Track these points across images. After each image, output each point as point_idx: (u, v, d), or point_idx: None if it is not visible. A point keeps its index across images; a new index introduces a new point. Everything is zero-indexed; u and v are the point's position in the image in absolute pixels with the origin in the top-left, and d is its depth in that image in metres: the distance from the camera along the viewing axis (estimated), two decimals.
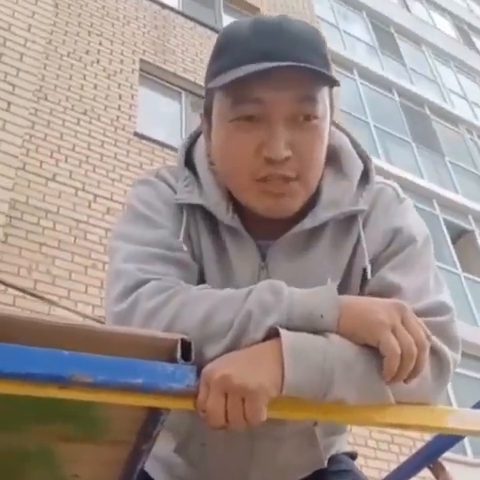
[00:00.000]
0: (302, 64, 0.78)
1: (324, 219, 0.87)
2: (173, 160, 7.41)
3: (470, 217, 10.99)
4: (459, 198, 10.99)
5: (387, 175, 10.08)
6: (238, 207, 0.88)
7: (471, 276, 9.88)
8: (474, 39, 15.96)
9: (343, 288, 0.85)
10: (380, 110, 11.43)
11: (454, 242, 10.31)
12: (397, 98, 12.00)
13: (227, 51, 0.83)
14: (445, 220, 10.41)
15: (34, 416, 0.86)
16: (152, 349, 0.86)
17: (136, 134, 6.68)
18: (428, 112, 12.36)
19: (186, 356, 0.85)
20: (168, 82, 7.68)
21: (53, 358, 0.75)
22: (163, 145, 6.84)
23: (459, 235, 10.75)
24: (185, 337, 0.88)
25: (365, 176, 0.90)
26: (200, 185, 0.90)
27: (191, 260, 0.88)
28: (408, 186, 10.29)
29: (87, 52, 7.00)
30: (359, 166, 0.91)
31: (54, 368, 0.74)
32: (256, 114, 0.81)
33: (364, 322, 0.73)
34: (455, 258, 9.88)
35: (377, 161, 10.11)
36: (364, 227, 0.88)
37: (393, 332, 0.70)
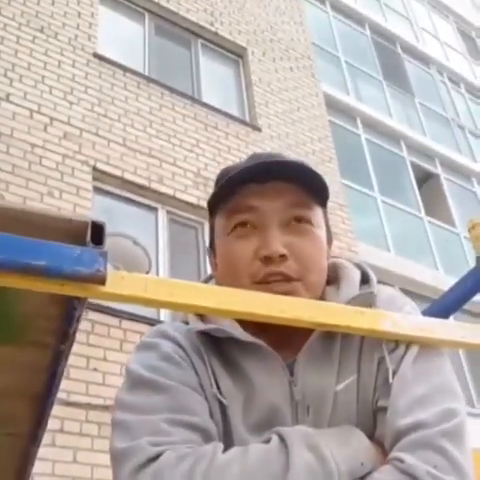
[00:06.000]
0: (290, 160, 0.88)
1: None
2: (135, 85, 7.07)
3: (437, 161, 10.99)
4: (427, 141, 10.94)
5: (356, 113, 9.95)
6: (242, 326, 0.87)
7: (434, 220, 9.98)
8: None
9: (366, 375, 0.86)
10: (352, 45, 11.14)
11: (419, 185, 10.34)
12: (369, 33, 11.71)
13: (222, 179, 0.90)
14: (412, 163, 10.40)
15: None
16: (59, 231, 0.78)
17: (96, 55, 6.37)
18: (400, 50, 12.13)
19: (97, 240, 0.78)
20: (130, 2, 7.28)
21: None
22: (125, 69, 6.54)
23: (425, 179, 10.77)
24: (96, 220, 0.80)
25: (365, 280, 0.93)
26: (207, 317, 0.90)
27: (207, 416, 0.83)
28: (376, 126, 10.19)
29: None
30: (357, 273, 0.94)
31: None
32: (251, 221, 0.87)
33: None
34: (420, 202, 9.93)
35: (346, 98, 9.94)
36: None
37: None
